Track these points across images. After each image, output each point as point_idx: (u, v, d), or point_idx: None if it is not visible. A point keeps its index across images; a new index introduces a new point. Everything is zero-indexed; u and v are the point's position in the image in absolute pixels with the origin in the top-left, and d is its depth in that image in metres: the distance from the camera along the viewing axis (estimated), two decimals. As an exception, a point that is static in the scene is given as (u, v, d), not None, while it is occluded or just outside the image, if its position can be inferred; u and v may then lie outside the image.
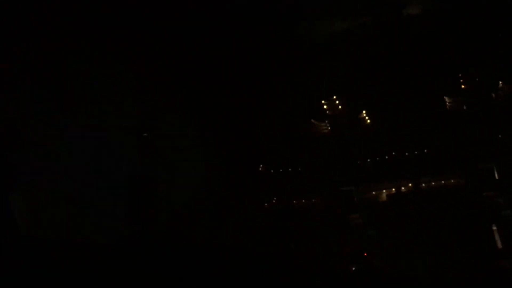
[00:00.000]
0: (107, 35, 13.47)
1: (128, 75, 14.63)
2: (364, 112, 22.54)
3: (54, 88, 11.86)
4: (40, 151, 10.48)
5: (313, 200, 21.96)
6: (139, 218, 7.47)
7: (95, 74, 13.33)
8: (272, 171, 22.12)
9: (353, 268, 15.65)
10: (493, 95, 20.76)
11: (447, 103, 21.42)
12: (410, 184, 21.47)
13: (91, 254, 6.08)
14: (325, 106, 22.72)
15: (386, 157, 21.87)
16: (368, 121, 22.56)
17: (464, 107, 21.47)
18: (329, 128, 22.65)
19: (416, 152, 21.46)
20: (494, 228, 18.19)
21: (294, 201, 21.74)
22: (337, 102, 22.63)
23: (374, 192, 21.99)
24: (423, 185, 21.16)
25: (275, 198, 21.76)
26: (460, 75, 21.28)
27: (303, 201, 21.93)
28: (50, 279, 5.18)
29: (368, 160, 22.01)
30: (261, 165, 21.89)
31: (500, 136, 20.04)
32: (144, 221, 7.49)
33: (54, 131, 11.22)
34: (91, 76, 13.22)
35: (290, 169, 22.18)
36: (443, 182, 20.98)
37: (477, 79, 21.01)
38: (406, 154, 21.56)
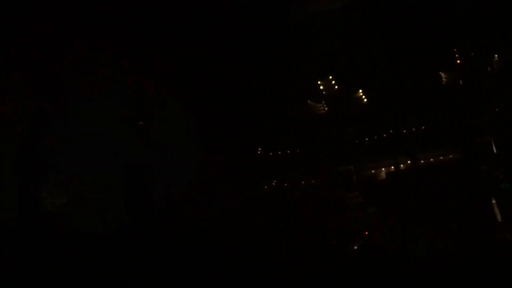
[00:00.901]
0: (102, 26, 13.40)
1: (123, 64, 14.57)
2: (360, 91, 22.49)
3: (47, 78, 11.82)
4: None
5: (312, 180, 22.01)
6: (136, 207, 7.50)
7: (89, 63, 13.28)
8: (270, 154, 22.13)
9: (355, 247, 15.70)
10: (489, 68, 20.70)
11: (443, 79, 21.39)
12: (408, 161, 21.49)
13: (89, 244, 6.10)
14: (321, 87, 22.67)
15: (384, 135, 21.88)
16: (365, 100, 22.52)
17: (460, 82, 21.42)
18: (326, 108, 22.63)
19: (413, 129, 21.46)
20: (494, 201, 18.25)
21: (293, 183, 21.80)
22: (333, 82, 22.57)
23: (373, 171, 22.05)
24: (422, 161, 21.18)
25: (274, 181, 21.81)
26: (454, 50, 21.20)
27: (303, 182, 21.99)
28: (48, 270, 5.20)
29: (366, 139, 22.02)
30: (259, 149, 21.90)
31: (496, 109, 20.02)
32: (141, 211, 7.51)
33: (48, 122, 11.20)
34: (85, 65, 13.17)
35: (288, 151, 22.21)
36: (441, 157, 21.02)
37: (472, 54, 20.94)
38: (404, 131, 21.56)
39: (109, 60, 13.72)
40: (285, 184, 21.85)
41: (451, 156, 20.84)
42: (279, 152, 22.25)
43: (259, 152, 22.01)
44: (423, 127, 21.31)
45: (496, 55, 20.61)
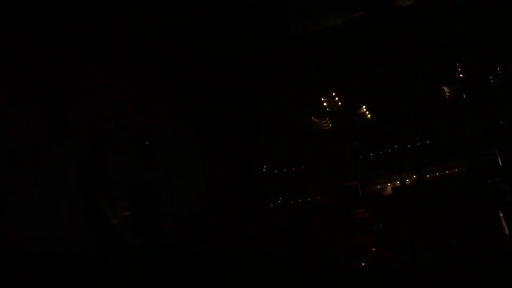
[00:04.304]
0: (106, 45, 13.56)
1: (127, 84, 14.71)
2: (364, 106, 22.57)
3: (53, 99, 11.94)
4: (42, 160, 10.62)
5: (318, 197, 21.97)
6: (143, 227, 7.54)
7: (94, 84, 13.41)
8: (275, 171, 22.16)
9: (362, 263, 15.63)
10: (491, 81, 20.75)
11: (446, 93, 21.44)
12: (414, 176, 21.45)
13: (94, 265, 6.14)
14: (324, 103, 22.78)
15: (389, 150, 21.87)
16: (369, 115, 22.59)
17: (464, 96, 21.48)
18: (330, 124, 22.69)
19: (418, 143, 21.46)
20: (501, 214, 18.17)
21: (300, 200, 21.76)
22: (336, 98, 22.67)
23: (378, 186, 22.00)
24: (427, 176, 21.14)
25: (280, 198, 21.80)
26: (457, 64, 21.28)
27: (308, 199, 21.95)
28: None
29: (371, 154, 22.02)
30: (264, 166, 21.94)
31: (501, 122, 20.01)
32: (147, 230, 7.56)
33: (53, 142, 11.29)
34: (90, 86, 13.31)
35: (293, 168, 22.22)
36: (446, 171, 20.96)
37: (474, 67, 21.02)
38: (409, 146, 21.56)
39: (112, 81, 13.86)
40: (291, 201, 21.82)
41: (456, 169, 20.79)
42: (285, 169, 22.28)
43: (264, 169, 22.05)
44: (427, 141, 21.31)
45: (498, 68, 20.68)
